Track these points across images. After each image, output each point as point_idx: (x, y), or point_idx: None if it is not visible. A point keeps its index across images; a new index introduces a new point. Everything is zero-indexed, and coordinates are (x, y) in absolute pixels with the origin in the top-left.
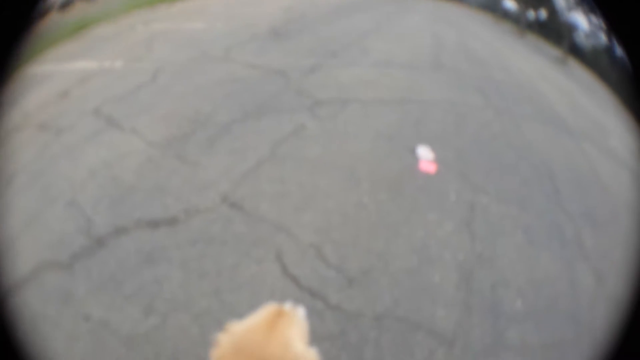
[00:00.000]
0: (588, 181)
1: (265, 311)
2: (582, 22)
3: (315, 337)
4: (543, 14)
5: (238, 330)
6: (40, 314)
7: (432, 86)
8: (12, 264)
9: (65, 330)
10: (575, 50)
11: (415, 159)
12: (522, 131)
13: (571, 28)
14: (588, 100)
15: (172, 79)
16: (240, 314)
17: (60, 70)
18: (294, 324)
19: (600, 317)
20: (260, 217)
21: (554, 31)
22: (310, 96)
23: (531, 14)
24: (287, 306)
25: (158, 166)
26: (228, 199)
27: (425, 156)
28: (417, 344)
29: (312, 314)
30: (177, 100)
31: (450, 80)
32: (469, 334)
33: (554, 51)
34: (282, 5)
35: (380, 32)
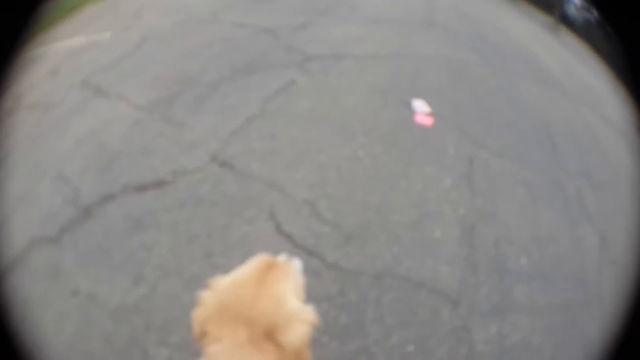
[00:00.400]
0: (586, 142)
1: (255, 263)
2: None
3: (313, 298)
4: None
5: (224, 286)
6: (30, 294)
7: (425, 42)
8: (5, 245)
9: (54, 309)
10: (567, 21)
11: (411, 112)
12: (519, 89)
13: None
14: (582, 68)
15: (159, 44)
16: None
17: (51, 50)
18: (288, 277)
19: (607, 282)
20: (251, 175)
21: (544, 1)
22: (301, 52)
23: None
24: (280, 258)
25: (145, 129)
26: (217, 158)
27: (421, 109)
28: (420, 303)
29: (308, 274)
30: (165, 63)
31: (444, 37)
32: (475, 293)
33: (546, 18)
34: None
35: None
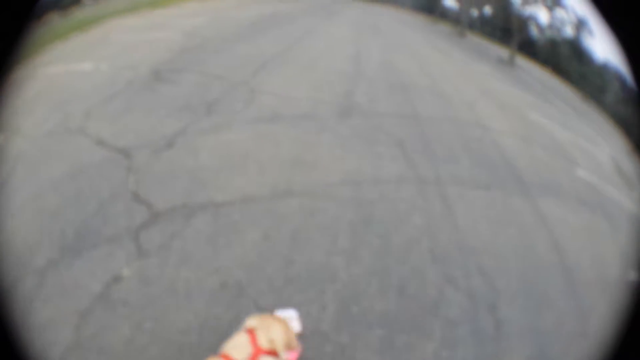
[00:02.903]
0: (548, 285)
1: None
2: (542, 14)
3: None
4: (488, 10)
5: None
6: None
7: (331, 151)
8: None
9: None
10: (527, 46)
11: None
12: (453, 216)
13: (524, 22)
14: (541, 112)
15: (23, 175)
16: None
17: None
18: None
19: None
20: None
21: (501, 28)
22: (147, 204)
23: (474, 12)
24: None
25: None
26: None
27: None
28: None
29: None
30: (17, 218)
31: (359, 133)
32: None
33: (499, 51)
34: (187, 27)
35: (286, 58)
